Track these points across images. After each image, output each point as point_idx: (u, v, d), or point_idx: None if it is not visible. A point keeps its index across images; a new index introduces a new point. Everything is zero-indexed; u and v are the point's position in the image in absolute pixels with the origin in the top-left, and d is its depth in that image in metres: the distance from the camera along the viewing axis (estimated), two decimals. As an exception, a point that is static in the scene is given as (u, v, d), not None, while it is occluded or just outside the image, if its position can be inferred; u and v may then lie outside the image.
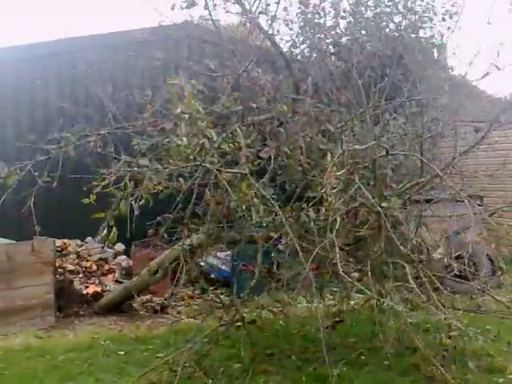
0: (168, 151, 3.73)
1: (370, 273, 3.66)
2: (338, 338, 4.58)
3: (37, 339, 5.61)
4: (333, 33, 7.80)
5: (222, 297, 4.77)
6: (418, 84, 5.92)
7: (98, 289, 6.72)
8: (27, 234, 5.70)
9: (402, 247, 3.64)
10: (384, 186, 4.12)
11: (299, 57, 7.39)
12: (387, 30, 7.59)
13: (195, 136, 3.32)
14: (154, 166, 3.64)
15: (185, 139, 3.22)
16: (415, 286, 3.43)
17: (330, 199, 3.26)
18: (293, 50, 7.87)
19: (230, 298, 4.56)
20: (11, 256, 5.86)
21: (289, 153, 4.09)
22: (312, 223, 3.70)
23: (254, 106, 4.21)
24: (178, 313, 6.55)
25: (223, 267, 7.17)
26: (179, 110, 3.15)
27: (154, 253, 6.22)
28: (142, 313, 6.45)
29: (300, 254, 3.37)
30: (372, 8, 7.76)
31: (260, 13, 5.09)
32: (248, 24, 4.97)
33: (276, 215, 3.69)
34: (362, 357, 4.19)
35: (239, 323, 4.31)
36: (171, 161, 3.64)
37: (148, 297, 6.61)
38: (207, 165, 3.48)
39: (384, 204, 3.70)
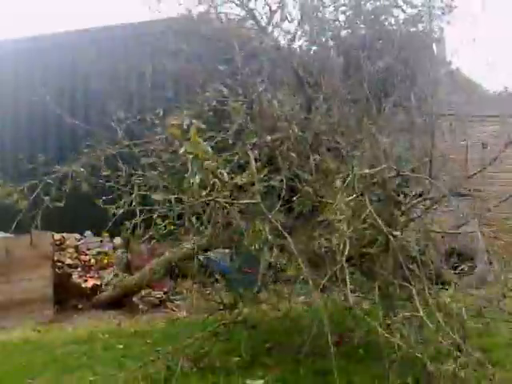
0: (179, 183, 3.75)
1: (378, 297, 3.70)
2: (336, 332, 4.58)
3: (35, 333, 5.62)
4: (332, 26, 7.74)
5: (222, 293, 4.74)
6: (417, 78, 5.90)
7: (97, 282, 6.72)
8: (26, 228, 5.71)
9: (410, 267, 3.64)
10: (394, 203, 4.11)
11: (298, 50, 7.33)
12: (386, 23, 7.53)
13: (206, 176, 3.29)
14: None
15: (197, 178, 3.19)
16: (423, 315, 3.39)
17: (341, 227, 3.24)
18: (291, 43, 7.80)
19: (233, 297, 4.56)
20: (10, 250, 5.87)
21: (300, 174, 4.07)
22: (322, 249, 3.68)
23: (269, 138, 4.14)
24: (177, 307, 6.56)
25: (221, 261, 7.16)
26: (182, 150, 3.10)
27: (153, 247, 6.23)
28: (140, 307, 6.45)
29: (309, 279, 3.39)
30: (371, 1, 7.70)
31: (275, 27, 5.05)
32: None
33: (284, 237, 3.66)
34: (360, 351, 4.18)
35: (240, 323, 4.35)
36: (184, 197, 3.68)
37: (147, 291, 6.61)
38: (220, 199, 3.47)
39: (396, 233, 3.71)
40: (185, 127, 3.15)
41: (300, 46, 6.86)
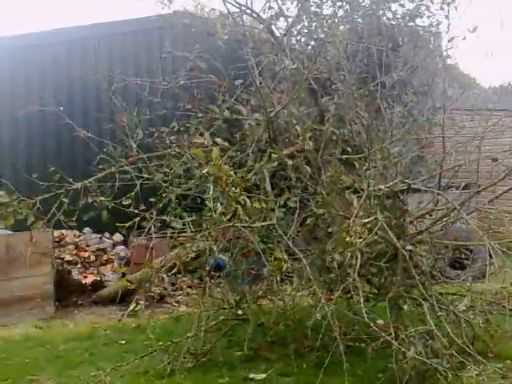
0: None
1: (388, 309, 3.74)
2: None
3: (37, 329, 5.63)
4: (330, 21, 7.75)
5: (226, 291, 4.75)
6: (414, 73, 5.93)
7: (98, 278, 6.73)
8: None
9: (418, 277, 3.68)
10: (403, 213, 4.14)
11: (297, 46, 7.35)
12: (384, 18, 7.56)
13: (228, 203, 3.30)
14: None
15: (220, 207, 3.20)
16: (435, 328, 3.41)
17: (354, 242, 3.25)
18: (289, 39, 7.81)
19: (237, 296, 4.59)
20: (10, 247, 5.87)
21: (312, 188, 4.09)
22: (335, 264, 3.71)
23: (285, 154, 4.14)
24: (177, 302, 6.57)
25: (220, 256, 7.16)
26: (205, 171, 3.11)
27: (152, 243, 6.22)
28: (141, 302, 6.45)
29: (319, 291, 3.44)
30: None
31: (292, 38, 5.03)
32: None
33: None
34: (362, 344, 4.19)
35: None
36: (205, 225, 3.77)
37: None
38: (238, 225, 3.50)
39: (409, 247, 3.78)
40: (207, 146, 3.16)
41: (298, 41, 6.88)
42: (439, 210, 4.24)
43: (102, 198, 4.28)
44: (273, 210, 3.66)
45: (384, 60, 5.19)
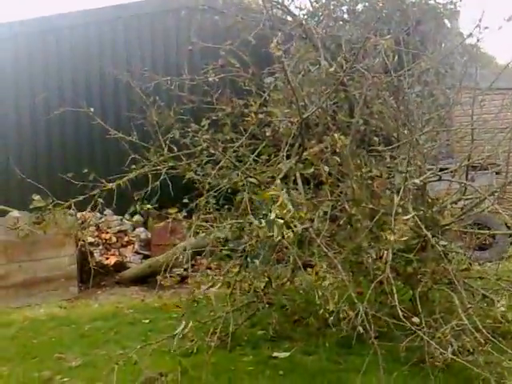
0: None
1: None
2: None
3: (61, 309, 5.75)
4: (348, 0, 7.64)
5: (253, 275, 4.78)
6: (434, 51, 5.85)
7: (120, 259, 6.82)
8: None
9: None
10: (432, 205, 4.12)
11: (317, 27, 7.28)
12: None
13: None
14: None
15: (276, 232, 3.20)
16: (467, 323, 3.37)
17: (388, 237, 3.23)
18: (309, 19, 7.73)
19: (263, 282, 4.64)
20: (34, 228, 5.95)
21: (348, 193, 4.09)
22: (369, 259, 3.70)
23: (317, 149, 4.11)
24: (198, 283, 6.61)
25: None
26: (273, 216, 3.12)
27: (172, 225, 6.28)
28: (162, 282, 6.52)
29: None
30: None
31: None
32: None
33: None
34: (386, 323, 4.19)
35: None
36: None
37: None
38: (285, 242, 3.49)
39: (444, 243, 3.79)
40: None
41: (318, 22, 6.80)
42: (467, 199, 4.22)
43: (148, 206, 4.36)
44: (311, 220, 3.65)
45: (405, 39, 5.12)
